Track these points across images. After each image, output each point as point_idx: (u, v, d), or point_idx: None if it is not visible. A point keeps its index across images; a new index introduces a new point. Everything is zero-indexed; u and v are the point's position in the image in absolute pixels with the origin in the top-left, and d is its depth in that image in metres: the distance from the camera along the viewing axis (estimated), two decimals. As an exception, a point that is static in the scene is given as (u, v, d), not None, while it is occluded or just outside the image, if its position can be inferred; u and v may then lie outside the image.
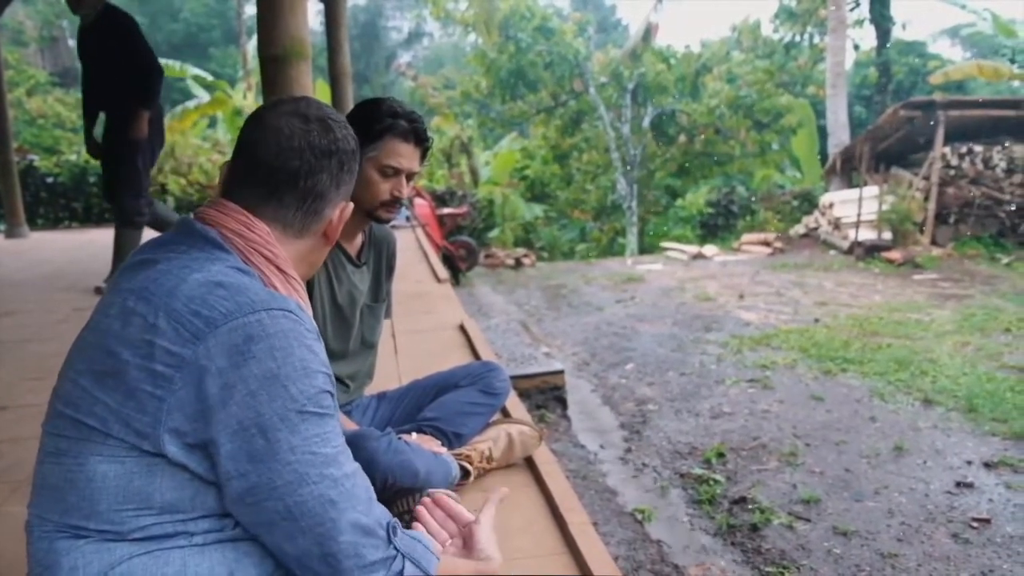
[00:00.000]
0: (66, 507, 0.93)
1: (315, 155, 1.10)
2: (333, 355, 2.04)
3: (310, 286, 1.90)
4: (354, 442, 1.51)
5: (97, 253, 6.13)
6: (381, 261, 2.17)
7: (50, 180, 10.90)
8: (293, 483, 0.93)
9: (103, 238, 8.37)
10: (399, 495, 1.77)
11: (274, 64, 2.58)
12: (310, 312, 1.13)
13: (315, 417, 0.96)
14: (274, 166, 1.09)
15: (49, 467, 0.97)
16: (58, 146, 17.64)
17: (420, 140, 1.88)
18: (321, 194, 1.11)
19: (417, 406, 2.18)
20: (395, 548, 1.00)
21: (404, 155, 1.85)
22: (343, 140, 1.14)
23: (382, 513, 1.02)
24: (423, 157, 1.92)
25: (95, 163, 11.23)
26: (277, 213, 1.11)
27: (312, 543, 0.94)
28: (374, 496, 1.03)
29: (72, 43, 29.87)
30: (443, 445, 2.02)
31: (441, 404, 2.12)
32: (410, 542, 1.04)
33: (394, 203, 1.89)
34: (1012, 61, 16.56)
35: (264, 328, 0.94)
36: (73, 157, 11.68)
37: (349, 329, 2.07)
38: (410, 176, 1.89)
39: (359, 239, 2.06)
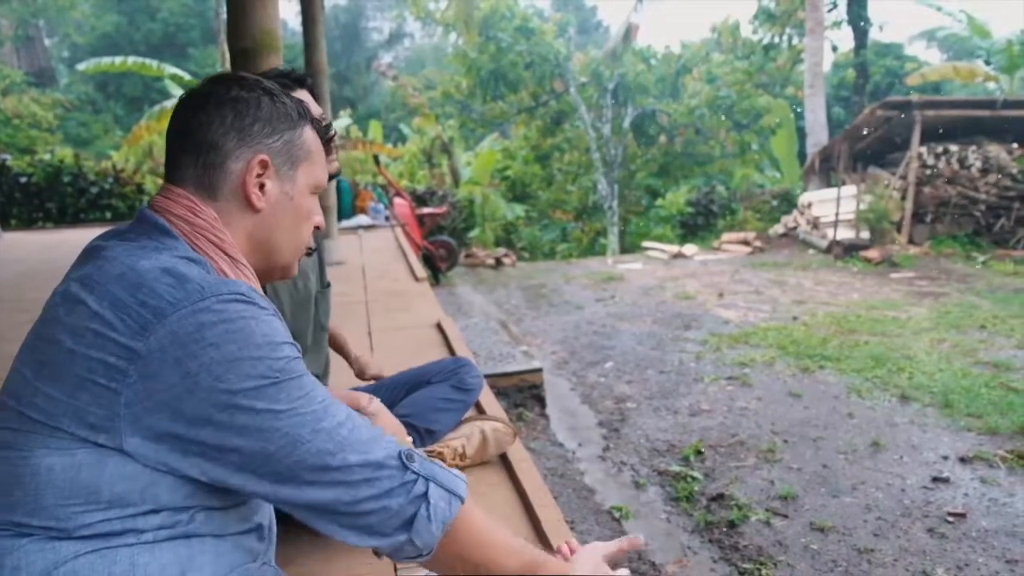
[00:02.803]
0: (11, 503, 0.89)
1: (204, 108, 1.07)
2: (303, 351, 2.01)
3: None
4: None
5: (70, 253, 6.02)
6: (320, 243, 2.14)
7: (24, 180, 10.74)
8: (287, 446, 0.91)
9: (77, 238, 8.26)
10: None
11: (244, 57, 2.54)
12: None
13: (291, 382, 0.93)
14: (172, 128, 1.09)
15: None
16: (33, 146, 17.44)
17: (298, 81, 1.75)
18: (214, 145, 1.06)
19: (388, 402, 2.14)
20: (413, 472, 0.98)
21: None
22: (244, 92, 1.08)
23: (391, 445, 0.99)
24: (314, 96, 1.86)
25: (70, 163, 11.15)
26: (183, 173, 1.07)
27: (323, 491, 0.93)
28: (377, 434, 1.00)
29: (49, 42, 29.53)
30: (415, 443, 2.00)
31: (413, 401, 2.10)
32: (431, 466, 1.02)
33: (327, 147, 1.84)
34: (987, 62, 16.80)
35: (216, 314, 0.90)
36: (47, 157, 11.52)
37: (309, 319, 2.04)
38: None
39: None
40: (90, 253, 1.01)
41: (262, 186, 1.09)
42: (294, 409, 0.92)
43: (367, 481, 0.94)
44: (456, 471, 1.06)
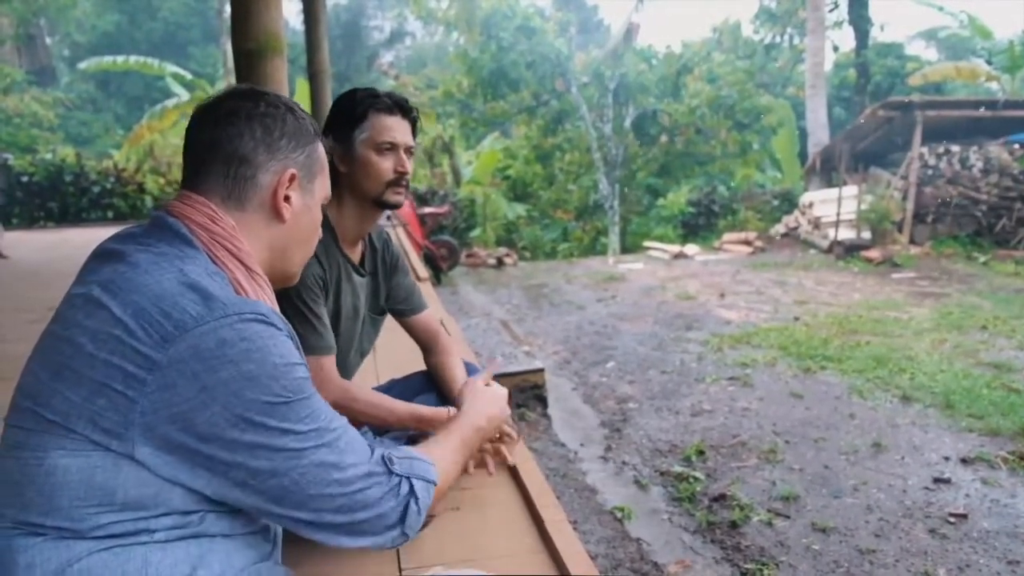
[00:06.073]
0: (24, 503, 0.90)
1: (231, 121, 1.10)
2: (339, 369, 1.98)
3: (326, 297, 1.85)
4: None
5: (72, 253, 6.04)
6: (378, 268, 2.10)
7: (25, 179, 10.74)
8: (291, 458, 0.96)
9: (78, 238, 8.28)
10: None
11: (248, 58, 2.54)
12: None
13: (301, 402, 0.98)
14: (199, 139, 1.11)
15: (8, 461, 0.94)
16: (34, 145, 17.44)
17: (405, 111, 1.84)
18: (245, 158, 1.09)
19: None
20: (396, 475, 1.08)
21: (395, 128, 1.81)
22: (271, 108, 1.12)
23: (376, 453, 1.08)
24: (414, 130, 1.88)
25: (71, 162, 11.16)
26: (209, 184, 1.10)
27: (323, 503, 0.99)
28: (365, 443, 1.08)
29: (50, 41, 29.52)
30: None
31: (422, 404, 2.08)
32: (407, 462, 1.12)
33: (401, 180, 1.83)
34: (988, 62, 16.79)
35: (237, 332, 0.93)
36: (49, 156, 11.53)
37: (353, 342, 2.03)
38: (408, 151, 1.84)
39: (360, 246, 1.99)
40: (107, 256, 1.02)
41: (287, 198, 1.13)
42: (300, 426, 0.97)
43: (362, 491, 1.02)
44: (422, 454, 1.17)
